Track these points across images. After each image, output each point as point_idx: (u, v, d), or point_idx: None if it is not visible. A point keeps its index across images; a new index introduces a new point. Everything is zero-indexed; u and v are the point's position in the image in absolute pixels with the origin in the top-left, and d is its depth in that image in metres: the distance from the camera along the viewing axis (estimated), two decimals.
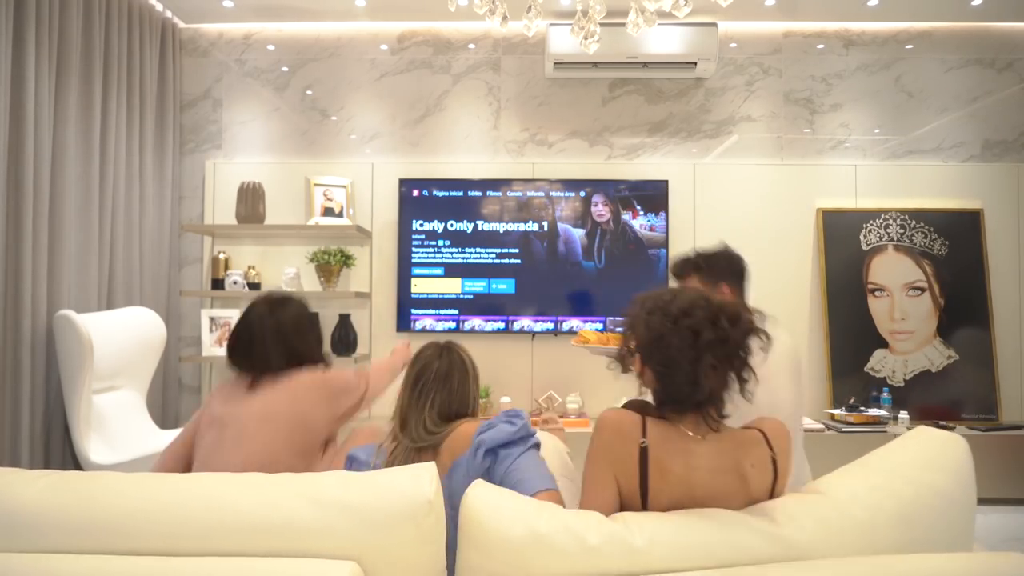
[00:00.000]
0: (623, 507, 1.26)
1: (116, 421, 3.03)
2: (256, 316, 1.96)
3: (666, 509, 1.21)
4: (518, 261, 3.89)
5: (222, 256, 3.89)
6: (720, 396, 1.27)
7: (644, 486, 1.22)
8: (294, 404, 1.84)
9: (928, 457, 1.24)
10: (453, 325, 3.87)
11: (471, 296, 3.89)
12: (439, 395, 1.61)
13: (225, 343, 3.93)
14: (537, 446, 1.52)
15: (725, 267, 1.93)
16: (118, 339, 3.06)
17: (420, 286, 3.90)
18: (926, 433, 1.31)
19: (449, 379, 1.63)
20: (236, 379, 1.94)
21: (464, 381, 1.65)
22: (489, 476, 1.44)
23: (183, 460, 1.90)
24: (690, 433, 1.25)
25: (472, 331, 3.86)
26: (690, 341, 1.22)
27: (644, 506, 1.23)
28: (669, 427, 1.27)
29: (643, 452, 1.23)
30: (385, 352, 3.96)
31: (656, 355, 1.26)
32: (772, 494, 1.24)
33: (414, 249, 3.90)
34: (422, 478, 1.10)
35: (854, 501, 1.17)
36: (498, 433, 1.47)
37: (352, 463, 1.59)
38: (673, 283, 1.89)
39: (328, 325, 3.85)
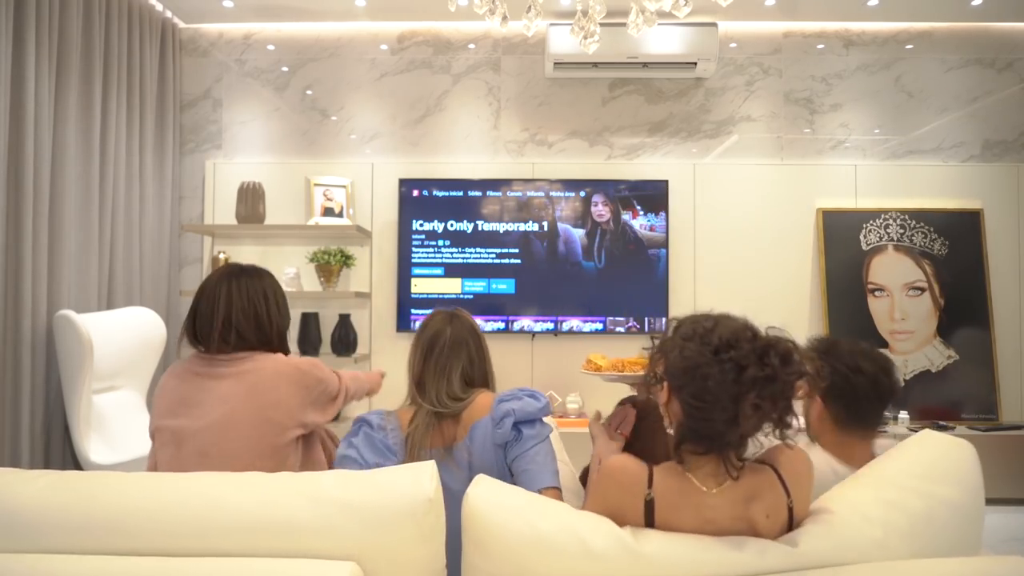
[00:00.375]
0: None
1: (116, 421, 3.03)
2: (218, 281, 1.72)
3: None
4: (518, 261, 3.89)
5: (222, 256, 3.89)
6: (747, 439, 1.16)
7: None
8: (257, 398, 1.61)
9: (937, 466, 1.21)
10: None
11: (471, 296, 3.89)
12: (458, 362, 1.60)
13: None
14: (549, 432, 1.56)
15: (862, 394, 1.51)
16: (118, 339, 3.06)
17: (420, 286, 3.89)
18: (934, 439, 1.27)
19: (465, 346, 1.63)
20: (183, 372, 1.69)
21: (480, 348, 1.66)
22: (505, 449, 1.49)
23: None
24: (703, 488, 1.14)
25: None
26: (733, 376, 1.11)
27: None
28: (679, 478, 1.16)
29: (648, 505, 1.13)
30: (386, 352, 3.98)
31: (689, 387, 1.14)
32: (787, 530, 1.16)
33: (414, 249, 3.90)
34: (422, 477, 1.10)
35: (866, 520, 1.13)
36: (527, 406, 1.50)
37: (363, 425, 1.55)
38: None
39: (328, 325, 3.85)
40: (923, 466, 1.22)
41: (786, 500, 1.13)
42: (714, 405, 1.11)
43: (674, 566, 1.05)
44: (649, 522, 1.12)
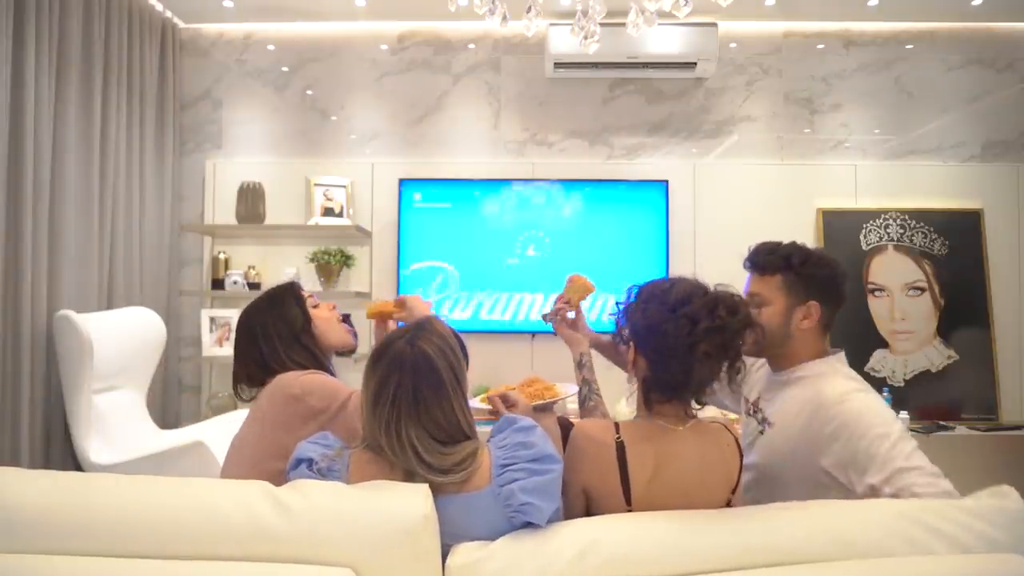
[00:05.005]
0: (605, 507, 1.26)
1: (116, 421, 3.03)
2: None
3: (650, 498, 1.23)
4: (518, 261, 3.89)
5: (222, 256, 3.89)
6: (706, 385, 1.32)
7: (625, 481, 1.25)
8: (260, 420, 1.63)
9: (992, 510, 1.15)
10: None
11: (471, 296, 3.88)
12: (415, 423, 1.20)
13: (225, 343, 3.91)
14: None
15: (825, 282, 1.69)
16: (118, 339, 3.06)
17: (420, 286, 3.89)
18: (1005, 492, 1.20)
19: (427, 396, 1.21)
20: None
21: (453, 391, 1.25)
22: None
23: None
24: (671, 427, 1.31)
25: (472, 331, 3.86)
26: (688, 329, 1.25)
27: (628, 500, 1.24)
28: (643, 422, 1.33)
29: (620, 446, 1.26)
30: None
31: (651, 342, 1.30)
32: (739, 472, 1.33)
33: (414, 249, 3.90)
34: (416, 496, 1.11)
35: (881, 527, 1.13)
36: (547, 485, 1.18)
37: (302, 465, 1.23)
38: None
39: None
40: (975, 507, 1.17)
41: (733, 436, 1.34)
42: (672, 356, 1.26)
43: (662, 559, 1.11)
44: (622, 461, 1.25)
